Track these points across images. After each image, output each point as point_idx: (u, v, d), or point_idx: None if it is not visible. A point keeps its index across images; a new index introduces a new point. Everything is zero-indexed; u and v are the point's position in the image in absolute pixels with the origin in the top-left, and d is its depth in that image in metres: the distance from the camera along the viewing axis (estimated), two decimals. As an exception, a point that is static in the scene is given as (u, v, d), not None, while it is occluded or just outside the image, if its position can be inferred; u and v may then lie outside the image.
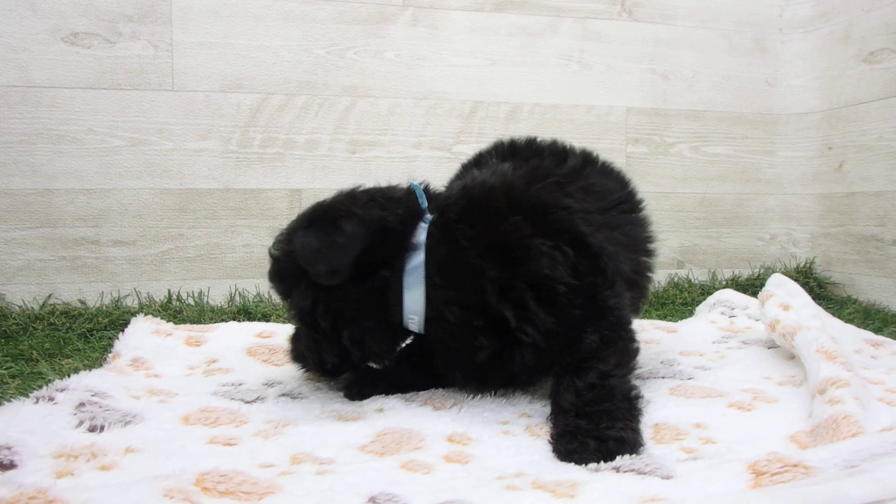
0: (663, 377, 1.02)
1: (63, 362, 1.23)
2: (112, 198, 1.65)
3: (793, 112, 2.01)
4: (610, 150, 1.92)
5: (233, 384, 0.98)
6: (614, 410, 0.75)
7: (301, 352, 0.94)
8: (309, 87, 1.77)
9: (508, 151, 1.06)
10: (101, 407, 0.76)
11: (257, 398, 0.91)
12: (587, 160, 1.03)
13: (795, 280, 1.93)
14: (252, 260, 1.74)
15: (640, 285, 0.98)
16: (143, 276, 1.68)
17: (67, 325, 1.50)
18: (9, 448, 0.60)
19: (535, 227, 0.84)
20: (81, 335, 1.45)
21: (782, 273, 1.99)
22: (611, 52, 1.93)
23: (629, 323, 0.88)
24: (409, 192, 0.92)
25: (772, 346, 1.18)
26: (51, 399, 0.74)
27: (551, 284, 0.82)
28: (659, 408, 0.86)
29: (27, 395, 0.78)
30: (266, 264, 0.94)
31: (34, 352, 1.29)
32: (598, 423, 0.73)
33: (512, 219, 0.85)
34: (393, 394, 0.93)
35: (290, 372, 1.05)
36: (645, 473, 0.63)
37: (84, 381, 0.83)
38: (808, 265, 1.98)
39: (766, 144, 2.03)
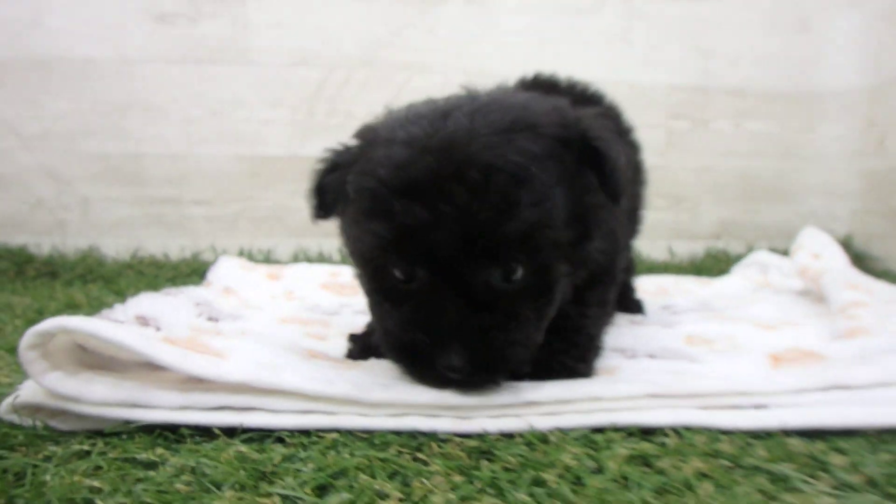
0: (695, 310, 1.13)
1: (158, 298, 1.40)
2: (193, 162, 1.82)
3: (835, 89, 2.06)
4: (652, 125, 2.02)
5: (313, 305, 1.13)
6: None
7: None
8: (368, 62, 1.92)
9: None
10: (211, 307, 0.91)
11: (335, 312, 1.06)
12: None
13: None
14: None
15: None
16: (219, 233, 1.84)
17: (154, 272, 1.67)
18: (155, 318, 0.75)
19: None
20: (168, 280, 1.62)
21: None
22: (654, 31, 2.02)
23: None
24: None
25: (803, 293, 1.27)
26: (174, 296, 0.90)
27: None
28: (690, 324, 0.98)
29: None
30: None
31: (132, 289, 1.46)
32: None
33: None
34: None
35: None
36: (675, 359, 0.75)
37: (193, 290, 0.98)
38: (846, 240, 2.04)
39: (807, 121, 2.08)
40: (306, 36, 1.88)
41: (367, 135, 0.73)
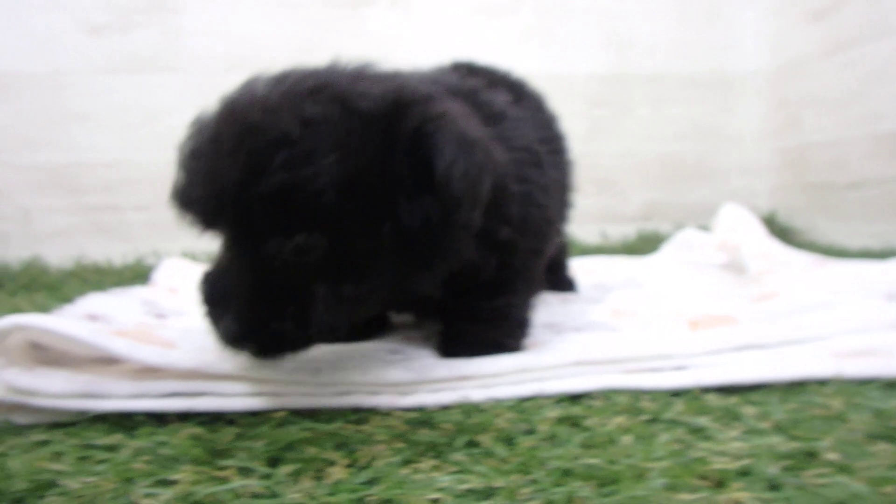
0: (623, 286, 1.23)
1: (104, 303, 1.43)
2: (130, 168, 1.85)
3: (747, 72, 2.18)
4: (574, 115, 2.11)
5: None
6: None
7: None
8: (298, 66, 1.96)
9: None
10: (157, 305, 0.97)
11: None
12: None
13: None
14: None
15: None
16: (160, 238, 1.87)
17: (98, 279, 1.69)
18: (105, 315, 0.81)
19: None
20: (113, 286, 1.64)
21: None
22: (571, 26, 2.11)
23: None
24: None
25: (725, 266, 1.35)
26: (121, 296, 0.95)
27: None
28: (618, 299, 1.06)
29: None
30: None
31: (76, 295, 1.49)
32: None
33: None
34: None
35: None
36: (600, 331, 0.84)
37: (139, 290, 1.04)
38: (770, 215, 2.15)
39: (723, 104, 2.20)
40: (237, 42, 1.91)
41: None
